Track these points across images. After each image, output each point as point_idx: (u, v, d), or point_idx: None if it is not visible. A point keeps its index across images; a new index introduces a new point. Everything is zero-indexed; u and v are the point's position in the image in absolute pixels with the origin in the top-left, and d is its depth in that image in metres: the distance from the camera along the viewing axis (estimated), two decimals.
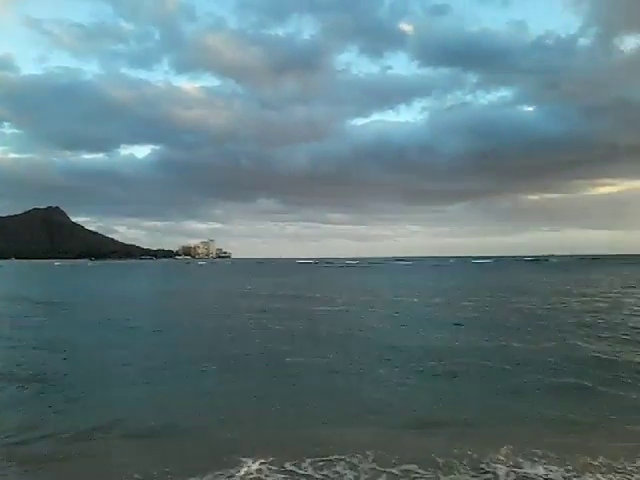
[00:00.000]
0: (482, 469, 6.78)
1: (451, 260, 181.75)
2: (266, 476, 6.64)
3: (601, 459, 7.02)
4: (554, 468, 6.79)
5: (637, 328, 18.24)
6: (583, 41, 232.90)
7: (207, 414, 9.19)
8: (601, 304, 26.50)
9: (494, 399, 10.06)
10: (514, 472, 6.70)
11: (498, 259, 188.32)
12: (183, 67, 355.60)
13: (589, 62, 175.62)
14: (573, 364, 12.76)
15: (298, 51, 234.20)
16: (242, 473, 6.71)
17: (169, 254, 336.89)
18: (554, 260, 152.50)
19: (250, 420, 8.83)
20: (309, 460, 7.03)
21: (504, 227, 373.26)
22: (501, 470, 6.73)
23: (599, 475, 6.63)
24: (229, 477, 6.61)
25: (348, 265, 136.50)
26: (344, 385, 11.09)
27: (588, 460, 7.01)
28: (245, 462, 6.98)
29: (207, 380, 11.57)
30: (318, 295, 34.96)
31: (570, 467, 6.82)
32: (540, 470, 6.75)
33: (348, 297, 32.78)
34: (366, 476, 6.61)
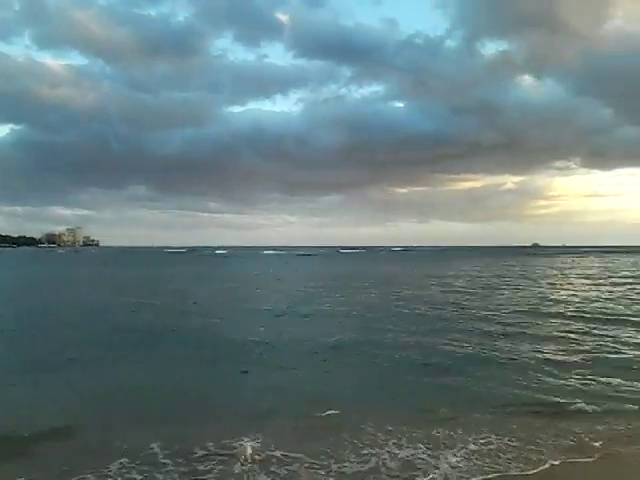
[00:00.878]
0: None
1: (322, 250, 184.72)
2: None
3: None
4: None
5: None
6: (450, 43, 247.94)
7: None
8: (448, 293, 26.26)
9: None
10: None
11: (369, 249, 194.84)
12: (47, 43, 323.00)
13: (455, 63, 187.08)
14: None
15: (172, 33, 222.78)
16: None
17: (31, 242, 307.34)
18: (416, 251, 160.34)
19: None
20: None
21: (376, 219, 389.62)
22: None
23: None
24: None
25: (218, 255, 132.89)
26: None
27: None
28: None
29: None
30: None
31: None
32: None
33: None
34: None
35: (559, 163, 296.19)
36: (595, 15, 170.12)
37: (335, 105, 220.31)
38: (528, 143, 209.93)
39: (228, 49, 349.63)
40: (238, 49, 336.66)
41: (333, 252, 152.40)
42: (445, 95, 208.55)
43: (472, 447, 6.51)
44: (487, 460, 6.18)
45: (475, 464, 6.07)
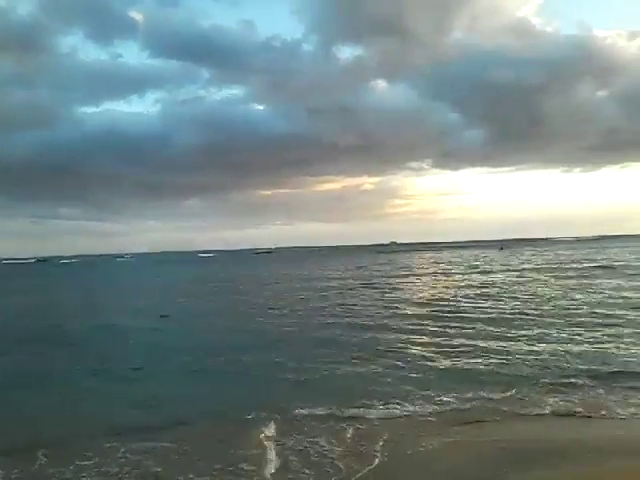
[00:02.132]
0: None
1: (181, 255, 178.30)
2: None
3: None
4: None
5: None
6: (307, 46, 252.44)
7: None
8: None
9: None
10: None
11: (234, 252, 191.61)
12: None
13: (312, 66, 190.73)
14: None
15: (13, 28, 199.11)
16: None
17: None
18: (280, 253, 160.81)
19: None
20: None
21: (240, 221, 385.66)
22: None
23: None
24: None
25: (64, 264, 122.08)
26: None
27: None
28: None
29: None
30: None
31: None
32: None
33: None
34: None
35: (413, 164, 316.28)
36: (439, 26, 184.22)
37: (194, 106, 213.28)
38: (384, 145, 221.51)
39: (79, 47, 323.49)
40: (90, 47, 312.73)
41: (193, 257, 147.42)
42: (304, 98, 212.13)
43: None
44: None
45: None
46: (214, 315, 19.92)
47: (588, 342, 12.11)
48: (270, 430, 7.23)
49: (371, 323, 16.32)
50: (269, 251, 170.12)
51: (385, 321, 16.61)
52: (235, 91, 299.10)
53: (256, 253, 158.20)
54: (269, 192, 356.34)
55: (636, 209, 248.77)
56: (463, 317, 16.66)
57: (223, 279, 43.70)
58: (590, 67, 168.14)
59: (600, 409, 7.69)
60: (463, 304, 19.81)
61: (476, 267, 44.59)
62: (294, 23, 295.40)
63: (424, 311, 18.60)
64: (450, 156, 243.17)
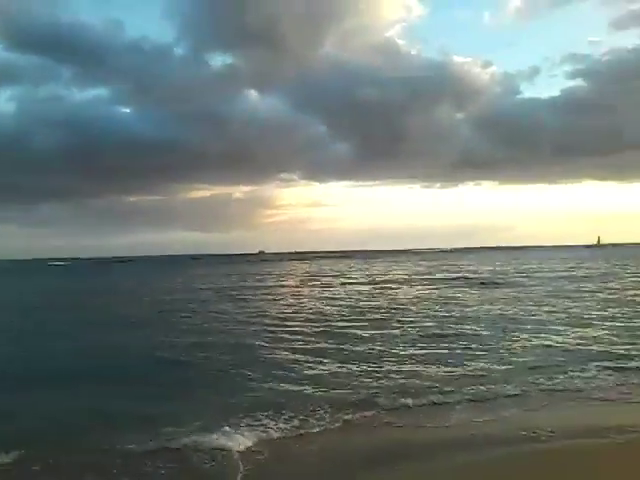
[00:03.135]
0: None
1: (31, 263, 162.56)
2: None
3: None
4: None
5: None
6: (177, 51, 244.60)
7: None
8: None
9: None
10: None
11: (94, 260, 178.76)
12: None
13: (182, 72, 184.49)
14: None
15: None
16: None
17: None
18: (143, 261, 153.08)
19: None
20: None
21: (100, 228, 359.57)
22: None
23: None
24: None
25: None
26: None
27: None
28: None
29: None
30: None
31: None
32: None
33: None
34: None
35: (284, 175, 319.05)
36: (311, 40, 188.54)
37: (54, 106, 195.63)
38: (255, 155, 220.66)
39: None
40: None
41: (42, 265, 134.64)
42: (173, 103, 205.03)
43: None
44: None
45: None
46: None
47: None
48: None
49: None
50: (130, 259, 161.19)
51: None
52: (99, 92, 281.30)
53: (120, 261, 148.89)
54: (134, 198, 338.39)
55: (487, 223, 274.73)
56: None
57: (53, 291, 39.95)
58: (449, 90, 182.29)
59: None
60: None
61: (337, 277, 45.53)
62: (166, 27, 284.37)
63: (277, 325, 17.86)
64: (318, 168, 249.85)
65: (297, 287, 35.43)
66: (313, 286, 35.33)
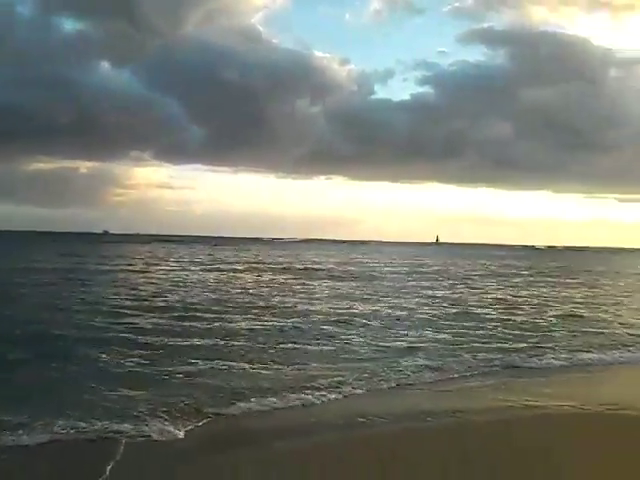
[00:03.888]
0: None
1: None
2: None
3: None
4: None
5: None
6: (21, 10, 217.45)
7: None
8: None
9: None
10: None
11: None
12: None
13: (26, 33, 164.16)
14: None
15: None
16: None
17: None
18: None
19: None
20: None
21: None
22: None
23: None
24: None
25: None
26: None
27: None
28: None
29: None
30: None
31: None
32: None
33: None
34: None
35: (134, 153, 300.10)
36: (172, 16, 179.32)
37: None
38: (104, 130, 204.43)
39: None
40: None
41: None
42: (15, 67, 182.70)
43: None
44: None
45: None
46: None
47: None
48: None
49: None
50: None
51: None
52: None
53: None
54: None
55: (337, 217, 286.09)
56: None
57: None
58: (307, 83, 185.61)
59: None
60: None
61: (186, 263, 44.58)
62: None
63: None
64: (172, 150, 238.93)
65: (140, 271, 33.99)
66: (157, 271, 34.23)
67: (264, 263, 46.02)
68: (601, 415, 7.73)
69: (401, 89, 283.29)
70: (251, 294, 22.15)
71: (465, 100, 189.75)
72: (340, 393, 8.60)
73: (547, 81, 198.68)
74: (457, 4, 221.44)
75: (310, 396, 8.32)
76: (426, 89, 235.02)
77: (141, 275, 30.97)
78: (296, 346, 12.20)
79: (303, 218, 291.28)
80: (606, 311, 20.25)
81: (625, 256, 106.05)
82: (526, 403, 8.21)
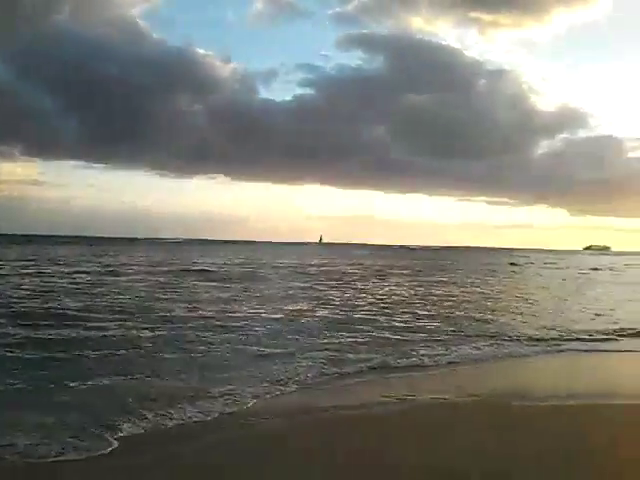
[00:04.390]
0: None
1: None
2: None
3: None
4: None
5: None
6: None
7: None
8: None
9: None
10: None
11: None
12: None
13: None
14: None
15: None
16: None
17: None
18: None
19: None
20: None
21: None
22: None
23: None
24: None
25: None
26: None
27: None
28: None
29: None
30: None
31: None
32: None
33: None
34: None
35: (1, 148, 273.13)
36: (45, 3, 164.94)
37: None
38: None
39: None
40: None
41: None
42: None
43: None
44: None
45: None
46: None
47: None
48: None
49: None
50: None
51: None
52: None
53: None
54: None
55: (221, 217, 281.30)
56: None
57: None
58: (189, 80, 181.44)
59: None
60: None
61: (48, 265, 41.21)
62: None
63: None
64: (43, 145, 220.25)
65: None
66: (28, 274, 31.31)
67: (143, 265, 43.95)
68: (467, 404, 8.49)
69: (284, 90, 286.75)
70: (123, 298, 20.76)
71: (346, 103, 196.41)
72: (234, 402, 8.34)
73: (423, 88, 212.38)
74: (339, 9, 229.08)
75: (206, 406, 8.03)
76: (308, 91, 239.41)
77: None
78: (173, 356, 11.41)
79: (186, 218, 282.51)
80: (482, 307, 21.77)
81: (493, 255, 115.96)
82: (401, 397, 8.71)
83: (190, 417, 7.52)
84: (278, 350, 12.22)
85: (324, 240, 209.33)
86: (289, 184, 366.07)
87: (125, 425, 7.01)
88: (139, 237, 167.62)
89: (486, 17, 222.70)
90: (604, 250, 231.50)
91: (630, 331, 15.92)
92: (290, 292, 25.62)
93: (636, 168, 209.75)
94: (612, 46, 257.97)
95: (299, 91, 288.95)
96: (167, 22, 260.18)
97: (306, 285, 29.65)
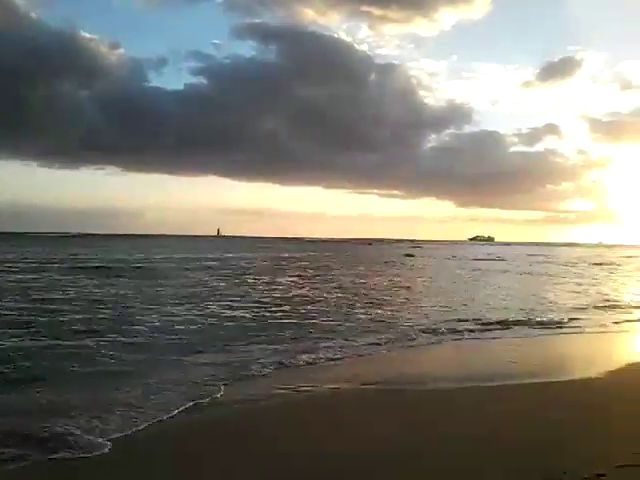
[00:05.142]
0: None
1: None
2: None
3: None
4: None
5: None
6: None
7: None
8: None
9: None
10: None
11: None
12: None
13: None
14: None
15: None
16: None
17: None
18: None
19: None
20: None
21: None
22: None
23: None
24: None
25: None
26: None
27: None
28: None
29: None
30: None
31: None
32: None
33: None
34: None
35: None
36: None
37: None
38: None
39: None
40: None
41: None
42: None
43: None
44: None
45: None
46: None
47: None
48: None
49: None
50: None
51: None
52: None
53: None
54: None
55: (113, 210, 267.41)
56: None
57: None
58: (73, 65, 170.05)
59: None
60: None
61: None
62: None
63: None
64: None
65: None
66: None
67: (22, 261, 40.69)
68: (358, 391, 8.96)
69: (176, 78, 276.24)
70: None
71: (240, 93, 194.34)
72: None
73: (317, 80, 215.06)
74: None
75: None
76: (200, 80, 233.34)
77: None
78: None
79: (73, 211, 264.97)
80: (381, 300, 22.36)
81: (387, 247, 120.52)
82: (299, 389, 8.90)
83: None
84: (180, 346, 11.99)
85: (222, 233, 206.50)
86: (185, 176, 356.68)
87: None
88: (26, 231, 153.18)
89: (376, 11, 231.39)
90: (489, 240, 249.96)
91: (515, 319, 17.02)
92: (189, 289, 24.79)
93: (517, 162, 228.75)
94: (494, 44, 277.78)
95: (191, 80, 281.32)
96: (47, 1, 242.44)
97: (204, 280, 29.15)
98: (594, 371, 10.14)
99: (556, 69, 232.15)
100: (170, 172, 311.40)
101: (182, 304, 18.94)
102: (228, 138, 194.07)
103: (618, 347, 14.64)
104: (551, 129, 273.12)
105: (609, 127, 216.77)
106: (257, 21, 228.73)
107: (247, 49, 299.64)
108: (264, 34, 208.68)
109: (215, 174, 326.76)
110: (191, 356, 11.09)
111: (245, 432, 7.01)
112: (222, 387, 8.86)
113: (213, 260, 49.91)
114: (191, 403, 7.98)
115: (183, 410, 7.69)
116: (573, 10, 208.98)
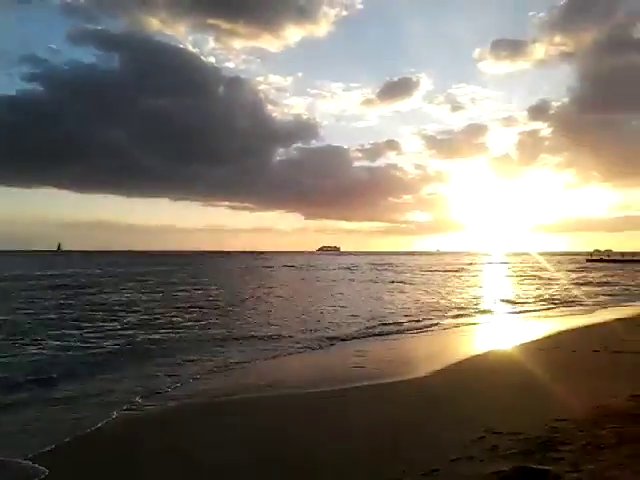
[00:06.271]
0: None
1: None
2: None
3: None
4: None
5: None
6: None
7: None
8: None
9: None
10: None
11: None
12: None
13: None
14: None
15: None
16: None
17: None
18: None
19: None
20: None
21: None
22: None
23: None
24: None
25: None
26: None
27: None
28: None
29: None
30: None
31: None
32: None
33: None
34: None
35: None
36: None
37: None
38: None
39: None
40: None
41: None
42: None
43: None
44: None
45: None
46: None
47: None
48: None
49: None
50: None
51: None
52: None
53: None
54: None
55: None
56: None
57: None
58: None
59: None
60: None
61: None
62: None
63: None
64: None
65: None
66: None
67: None
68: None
69: (7, 84, 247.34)
70: None
71: (80, 102, 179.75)
72: None
73: (163, 91, 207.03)
74: (69, 0, 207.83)
75: None
76: (34, 86, 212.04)
77: None
78: None
79: None
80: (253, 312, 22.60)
81: (242, 258, 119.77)
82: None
83: None
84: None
85: (63, 248, 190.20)
86: (17, 187, 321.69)
87: None
88: None
89: (224, 25, 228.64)
90: (335, 250, 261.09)
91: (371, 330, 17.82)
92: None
93: (361, 176, 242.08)
94: (337, 63, 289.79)
95: (25, 86, 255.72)
96: None
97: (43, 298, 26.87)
98: (423, 371, 11.02)
99: (395, 88, 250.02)
100: (1, 183, 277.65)
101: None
102: (67, 148, 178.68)
103: (449, 347, 15.95)
104: (391, 145, 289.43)
105: (442, 144, 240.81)
106: (98, 27, 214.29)
107: (89, 56, 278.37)
108: (105, 41, 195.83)
109: (54, 186, 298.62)
110: None
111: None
112: None
113: (48, 277, 45.80)
114: None
115: None
116: (410, 33, 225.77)
